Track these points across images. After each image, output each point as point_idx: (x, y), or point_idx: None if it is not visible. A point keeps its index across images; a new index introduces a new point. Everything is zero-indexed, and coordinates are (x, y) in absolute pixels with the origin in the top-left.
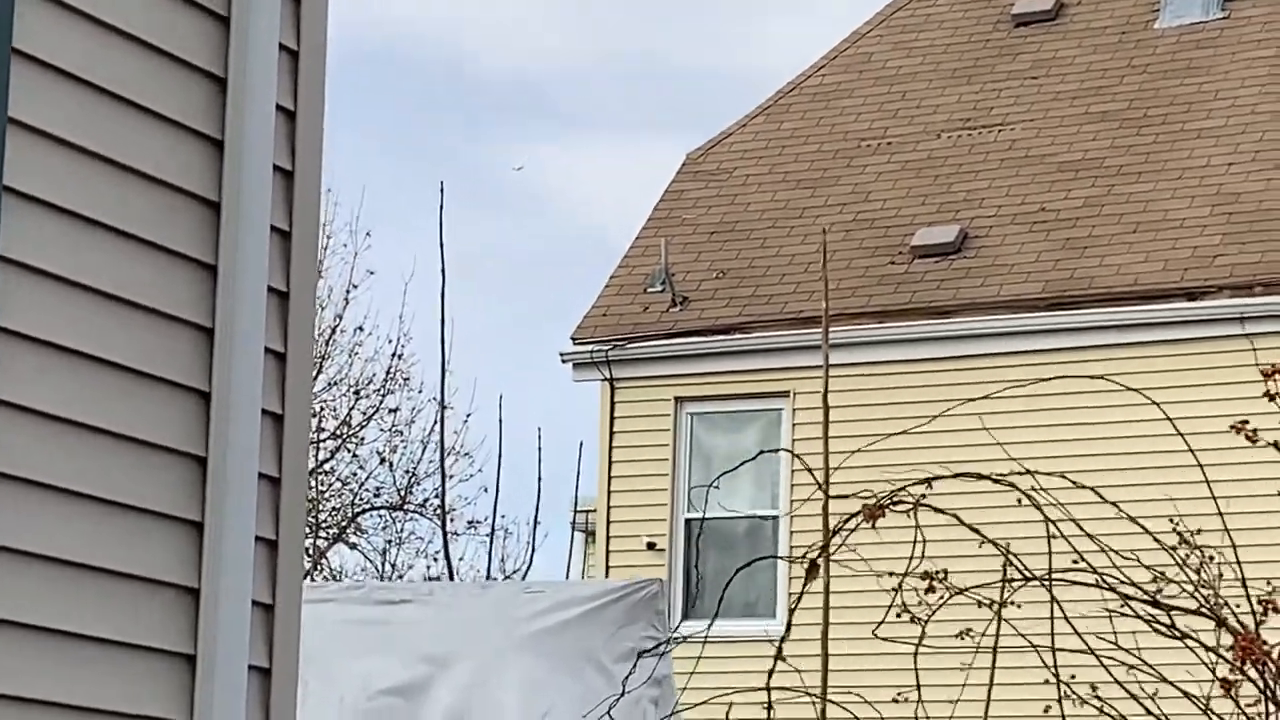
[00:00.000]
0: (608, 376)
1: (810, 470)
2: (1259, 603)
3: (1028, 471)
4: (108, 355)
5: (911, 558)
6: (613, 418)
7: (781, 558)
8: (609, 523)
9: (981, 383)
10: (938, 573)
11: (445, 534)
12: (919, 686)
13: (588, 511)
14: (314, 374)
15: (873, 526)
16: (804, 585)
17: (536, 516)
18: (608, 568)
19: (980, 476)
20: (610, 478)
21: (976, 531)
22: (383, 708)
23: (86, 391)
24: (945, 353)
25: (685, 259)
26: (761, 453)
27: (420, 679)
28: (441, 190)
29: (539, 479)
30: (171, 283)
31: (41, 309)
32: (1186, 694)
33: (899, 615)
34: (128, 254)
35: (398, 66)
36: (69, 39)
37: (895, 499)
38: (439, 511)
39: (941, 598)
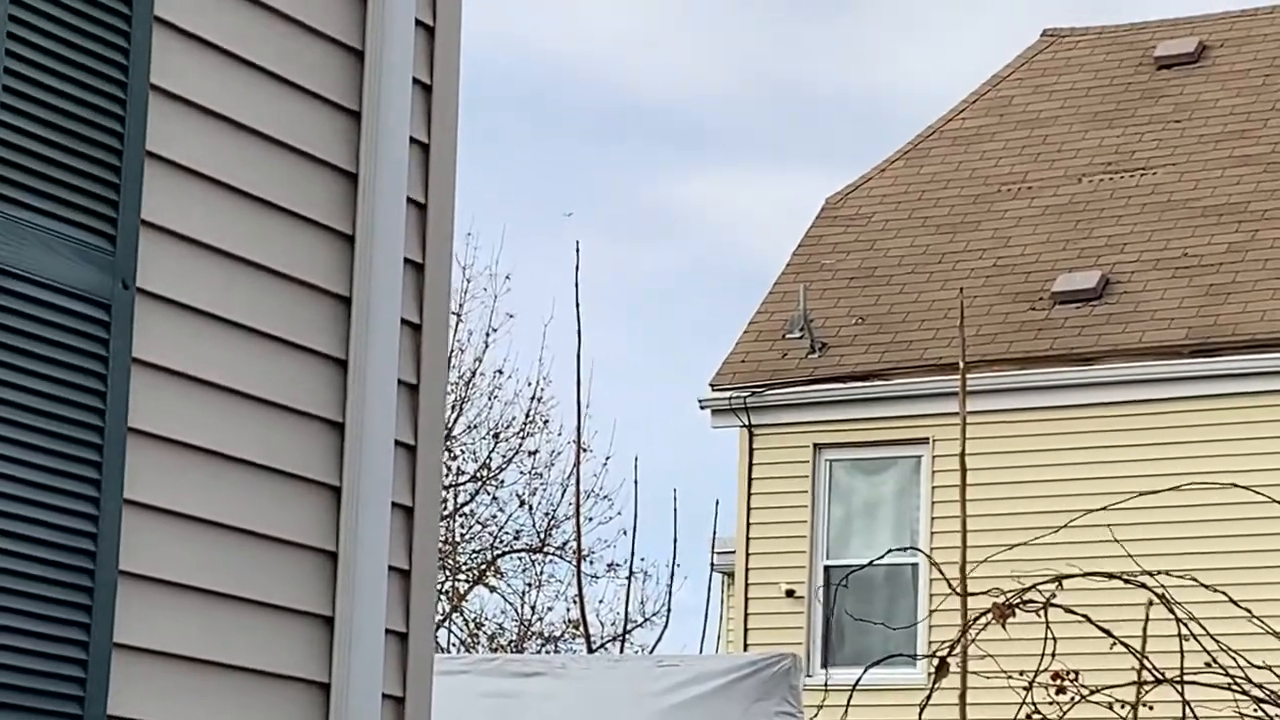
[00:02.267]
0: (746, 423)
1: (942, 572)
2: None
3: (1157, 573)
4: (247, 390)
5: (1043, 655)
6: (751, 464)
7: (913, 656)
8: (748, 569)
9: (1123, 429)
10: (1069, 673)
11: (580, 578)
12: None
13: (727, 552)
14: (454, 415)
15: (1003, 625)
16: (933, 683)
17: (673, 573)
18: (746, 614)
19: (1111, 575)
20: (749, 524)
21: (1107, 633)
22: None
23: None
24: (1086, 399)
25: (824, 305)
26: (890, 551)
27: None
28: (578, 250)
29: (674, 538)
30: (307, 314)
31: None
32: None
33: (1029, 716)
34: (264, 286)
35: (542, 98)
36: (206, 75)
37: (1025, 598)
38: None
39: (1073, 699)
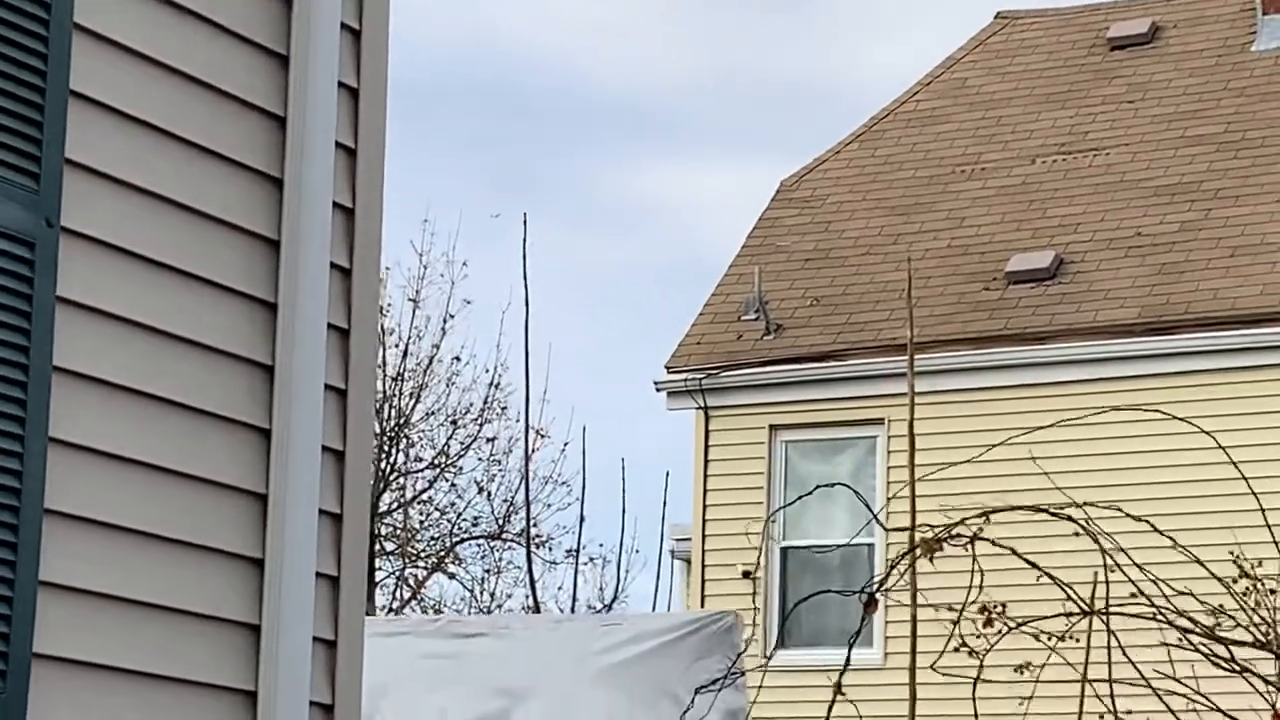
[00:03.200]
0: (702, 405)
1: (868, 505)
2: None
3: (1083, 504)
4: (168, 394)
5: (970, 588)
6: (708, 446)
7: (839, 591)
8: (704, 551)
9: (1077, 409)
10: (995, 606)
11: (530, 562)
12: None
13: (685, 539)
14: (412, 402)
15: (930, 560)
16: (862, 620)
17: (622, 545)
18: (704, 596)
19: (1036, 509)
20: (705, 506)
21: (1033, 565)
22: None
23: (147, 430)
24: (1041, 379)
25: (779, 286)
26: (818, 487)
27: (496, 712)
28: (525, 222)
29: (623, 509)
30: (231, 321)
31: (101, 349)
32: None
33: (957, 649)
34: (187, 293)
35: (501, 87)
36: (125, 79)
37: (952, 533)
38: (534, 539)
39: (1000, 631)
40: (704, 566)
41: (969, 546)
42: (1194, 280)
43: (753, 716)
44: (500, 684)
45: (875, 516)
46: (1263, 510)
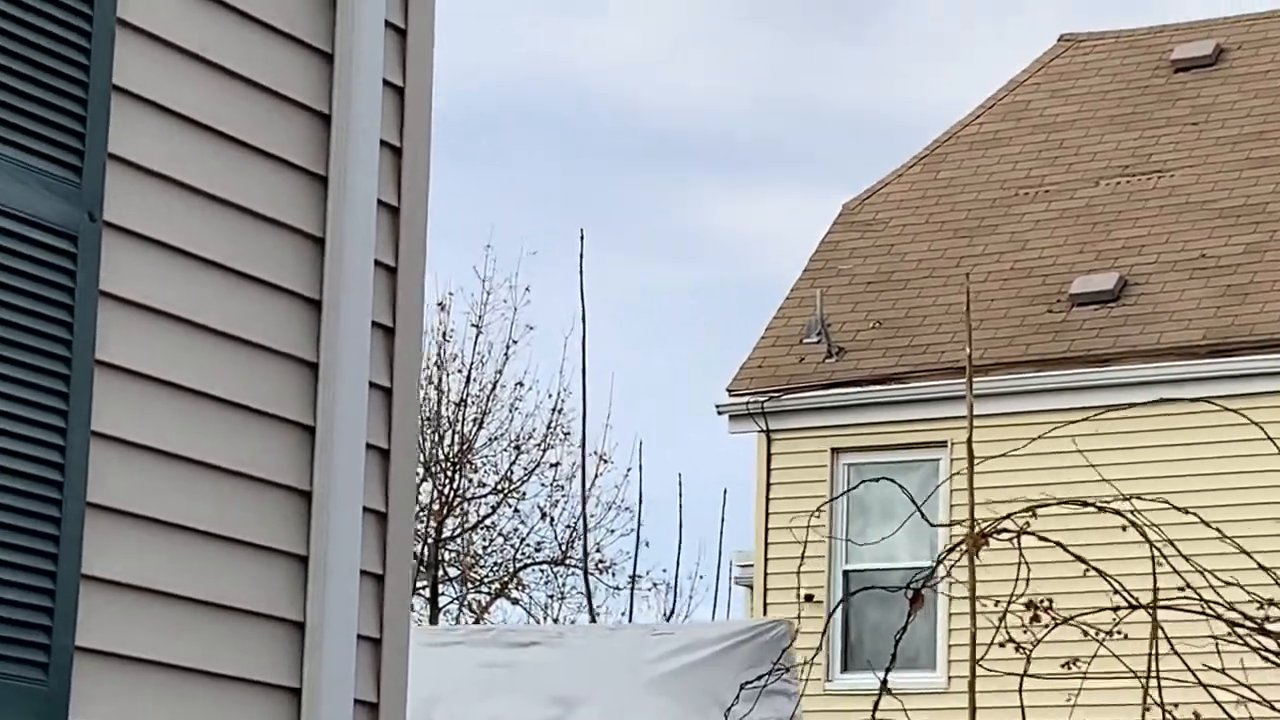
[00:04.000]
0: (764, 428)
1: (920, 511)
2: None
3: (1130, 496)
4: (211, 389)
5: (1015, 581)
6: (769, 469)
7: (885, 588)
8: (766, 574)
9: (1142, 430)
10: (1042, 601)
11: (588, 585)
12: (1024, 712)
13: (748, 565)
14: (475, 428)
15: (976, 555)
16: (909, 617)
17: (679, 564)
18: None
19: (1084, 503)
20: (768, 529)
21: (1080, 559)
22: None
23: (190, 424)
24: (1104, 401)
25: (841, 310)
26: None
27: None
28: (581, 238)
29: (679, 524)
30: (276, 317)
31: (144, 343)
32: None
33: (1003, 645)
34: (231, 288)
35: (563, 116)
36: (169, 73)
37: (998, 528)
38: (598, 565)
39: (1047, 626)
40: (766, 590)
41: (1015, 541)
42: (1259, 302)
43: None
44: (553, 692)
45: (917, 508)
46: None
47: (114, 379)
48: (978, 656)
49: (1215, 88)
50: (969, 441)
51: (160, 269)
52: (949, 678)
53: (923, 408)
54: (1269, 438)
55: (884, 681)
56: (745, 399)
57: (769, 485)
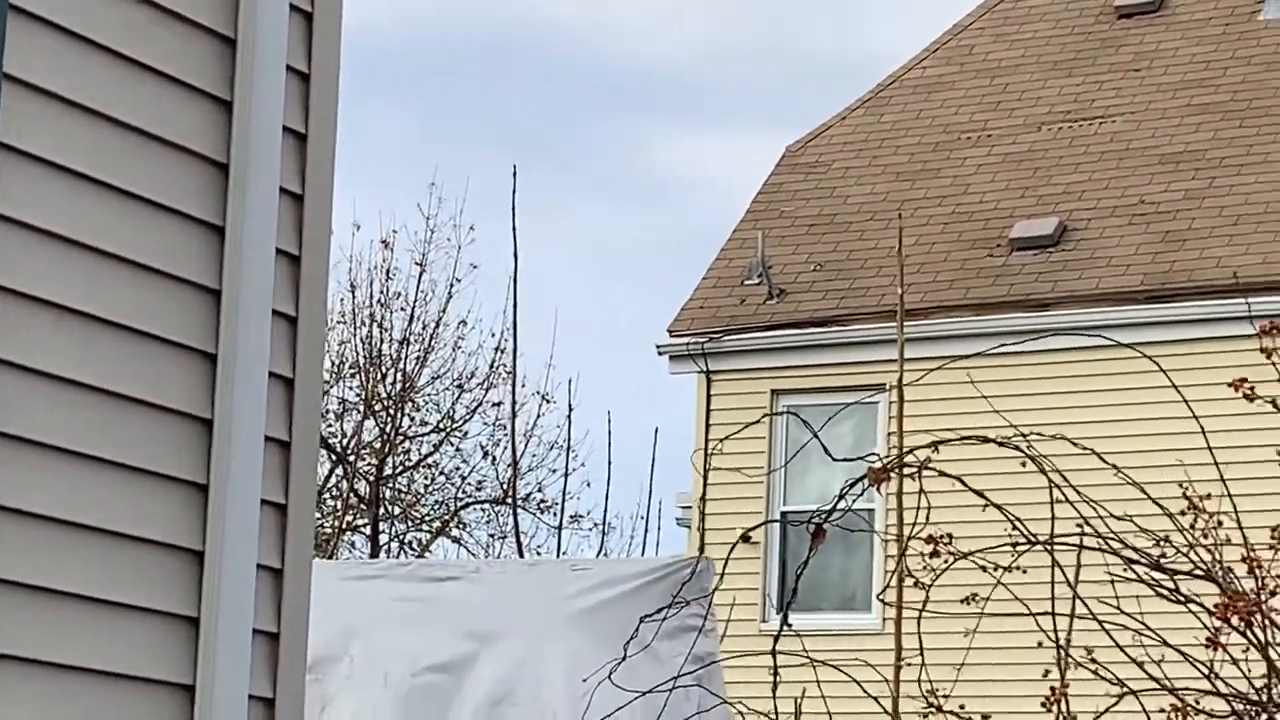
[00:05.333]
0: (704, 369)
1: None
2: (1244, 560)
3: (1028, 434)
4: (110, 315)
5: (915, 520)
6: (709, 410)
7: (797, 523)
8: (704, 515)
9: (1079, 375)
10: (942, 536)
11: (516, 519)
12: (923, 650)
13: (688, 506)
14: (418, 366)
15: (879, 490)
16: (810, 551)
17: (606, 502)
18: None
19: (984, 439)
20: (706, 470)
21: (981, 495)
22: (427, 684)
23: (91, 354)
24: (1043, 346)
25: (783, 252)
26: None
27: (465, 656)
28: (514, 174)
29: (609, 466)
30: (176, 244)
31: (36, 266)
32: (1188, 657)
33: (901, 580)
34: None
35: (519, 56)
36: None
37: (901, 464)
38: (539, 504)
39: (945, 562)
40: (704, 530)
41: (916, 476)
42: (1197, 248)
43: (745, 683)
44: (470, 627)
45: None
46: (1210, 449)
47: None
48: (876, 593)
49: (1158, 34)
50: (899, 383)
51: (58, 193)
52: (883, 619)
53: (862, 350)
54: (1171, 384)
55: (784, 618)
56: (685, 340)
57: (708, 426)
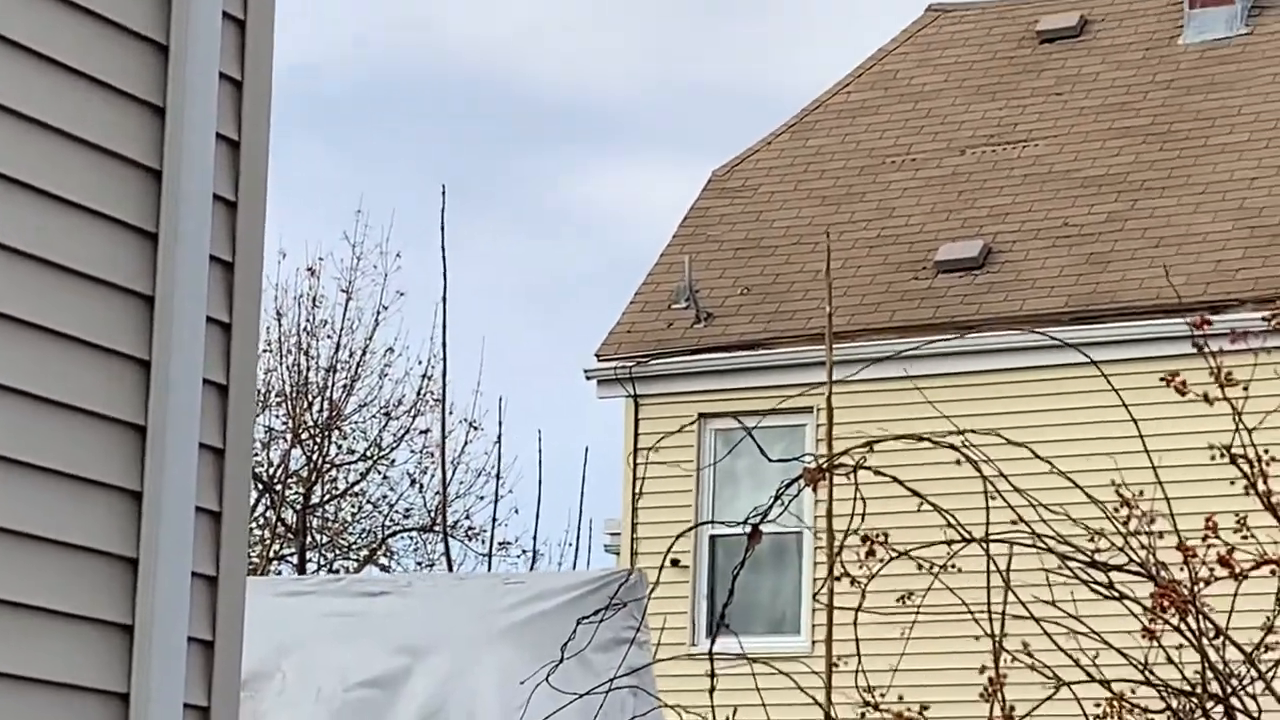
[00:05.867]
0: (632, 393)
1: (759, 446)
2: (1178, 548)
3: (964, 432)
4: (49, 324)
5: (852, 516)
6: (637, 434)
7: (724, 522)
8: (634, 539)
9: (1004, 397)
10: (877, 535)
11: (447, 545)
12: (859, 654)
13: (616, 534)
14: (344, 394)
15: (814, 490)
16: (746, 552)
17: (537, 523)
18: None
19: (919, 438)
20: (635, 494)
21: (916, 493)
22: (360, 699)
23: (23, 359)
24: (968, 367)
25: (710, 275)
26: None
27: (398, 670)
28: (444, 193)
29: (539, 486)
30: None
31: None
32: (1121, 651)
33: (838, 579)
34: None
35: (435, 88)
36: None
37: (835, 463)
38: (467, 531)
39: (881, 560)
40: (634, 555)
41: (851, 476)
42: (1120, 270)
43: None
44: (403, 642)
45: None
46: (1142, 437)
47: None
48: (814, 591)
49: (1080, 59)
50: (829, 403)
51: None
52: (813, 641)
53: (790, 373)
54: (1105, 379)
55: (720, 620)
56: (613, 364)
57: (636, 450)
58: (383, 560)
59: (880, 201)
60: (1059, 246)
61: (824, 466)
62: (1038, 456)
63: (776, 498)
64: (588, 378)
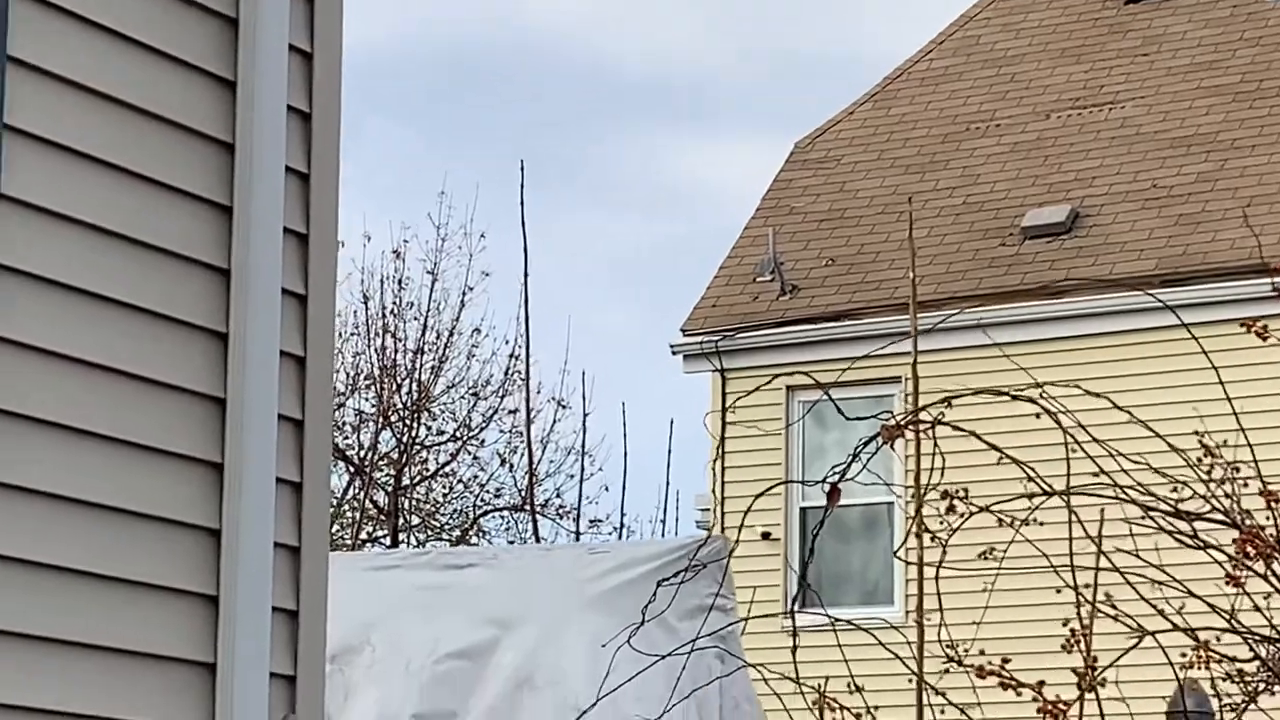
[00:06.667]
0: (718, 367)
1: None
2: (1262, 493)
3: (1042, 384)
4: (117, 295)
5: (931, 471)
6: (724, 408)
7: (803, 482)
8: (723, 513)
9: (1094, 362)
10: (957, 490)
11: (535, 522)
12: (941, 607)
13: (709, 510)
14: (433, 376)
15: (891, 446)
16: (826, 511)
17: (624, 496)
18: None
19: (998, 392)
20: (724, 469)
21: (994, 447)
22: (449, 671)
23: (105, 335)
24: (1058, 333)
25: (794, 247)
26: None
27: (486, 641)
28: (522, 169)
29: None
30: (184, 224)
31: (47, 246)
32: (1206, 600)
33: (918, 535)
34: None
35: (525, 67)
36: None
37: (914, 419)
38: (558, 510)
39: (962, 515)
40: (724, 529)
41: (930, 432)
42: (1210, 231)
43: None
44: (490, 613)
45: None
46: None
47: (13, 284)
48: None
49: (1165, 18)
50: (914, 364)
51: (63, 175)
52: (905, 611)
53: (876, 344)
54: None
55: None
56: (699, 338)
57: (724, 424)
58: (475, 540)
59: (965, 169)
60: (1148, 209)
61: (901, 423)
62: (1117, 407)
63: (854, 456)
64: (674, 353)
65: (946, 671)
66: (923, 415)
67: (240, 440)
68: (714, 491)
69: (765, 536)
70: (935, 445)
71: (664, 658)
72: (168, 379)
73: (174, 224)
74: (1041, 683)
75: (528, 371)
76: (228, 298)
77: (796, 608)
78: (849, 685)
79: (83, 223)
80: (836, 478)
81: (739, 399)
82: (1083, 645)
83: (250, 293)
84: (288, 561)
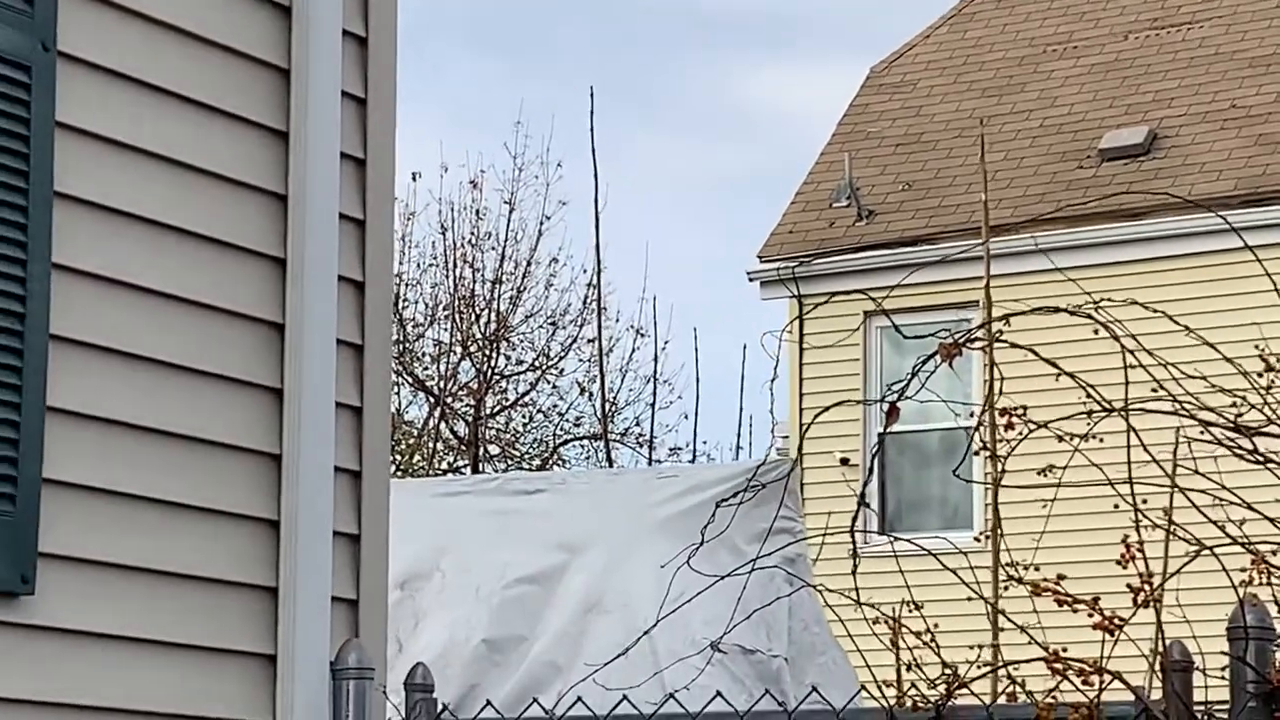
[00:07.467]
0: (796, 293)
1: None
2: None
3: (1099, 300)
4: (176, 222)
5: (989, 385)
6: (802, 334)
7: (862, 401)
8: (802, 439)
9: (1174, 284)
10: (1016, 408)
11: (608, 451)
12: (999, 526)
13: (788, 437)
14: (511, 306)
15: (950, 365)
16: (885, 427)
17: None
18: (801, 484)
19: (1055, 310)
20: (802, 394)
21: (1051, 363)
22: (518, 595)
23: (165, 261)
24: (1137, 255)
25: (871, 173)
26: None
27: (555, 566)
28: (591, 96)
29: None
30: (244, 152)
31: (104, 177)
32: (1266, 515)
33: (977, 453)
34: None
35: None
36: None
37: (971, 336)
38: (637, 439)
39: (1020, 433)
40: (801, 455)
41: (987, 351)
42: None
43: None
44: (559, 538)
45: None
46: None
47: (72, 210)
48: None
49: None
50: (986, 286)
51: (119, 100)
52: (984, 535)
53: (954, 268)
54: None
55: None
56: (776, 264)
57: (801, 350)
58: (556, 469)
59: (1042, 91)
60: (1227, 129)
61: (959, 341)
62: (1172, 319)
63: (914, 374)
64: (751, 279)
65: (1005, 589)
66: (979, 334)
67: (299, 366)
68: (792, 418)
69: (844, 462)
70: (992, 364)
71: (724, 578)
72: (229, 305)
73: (231, 150)
74: (1097, 598)
75: (599, 300)
76: (285, 223)
77: (852, 522)
78: (908, 606)
79: (138, 149)
80: (895, 396)
81: (808, 311)
82: (1139, 561)
83: (308, 217)
84: (349, 486)
